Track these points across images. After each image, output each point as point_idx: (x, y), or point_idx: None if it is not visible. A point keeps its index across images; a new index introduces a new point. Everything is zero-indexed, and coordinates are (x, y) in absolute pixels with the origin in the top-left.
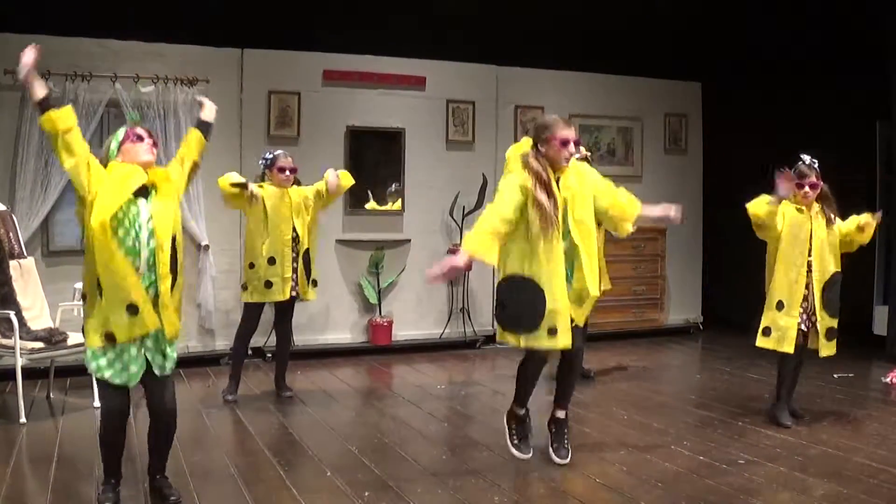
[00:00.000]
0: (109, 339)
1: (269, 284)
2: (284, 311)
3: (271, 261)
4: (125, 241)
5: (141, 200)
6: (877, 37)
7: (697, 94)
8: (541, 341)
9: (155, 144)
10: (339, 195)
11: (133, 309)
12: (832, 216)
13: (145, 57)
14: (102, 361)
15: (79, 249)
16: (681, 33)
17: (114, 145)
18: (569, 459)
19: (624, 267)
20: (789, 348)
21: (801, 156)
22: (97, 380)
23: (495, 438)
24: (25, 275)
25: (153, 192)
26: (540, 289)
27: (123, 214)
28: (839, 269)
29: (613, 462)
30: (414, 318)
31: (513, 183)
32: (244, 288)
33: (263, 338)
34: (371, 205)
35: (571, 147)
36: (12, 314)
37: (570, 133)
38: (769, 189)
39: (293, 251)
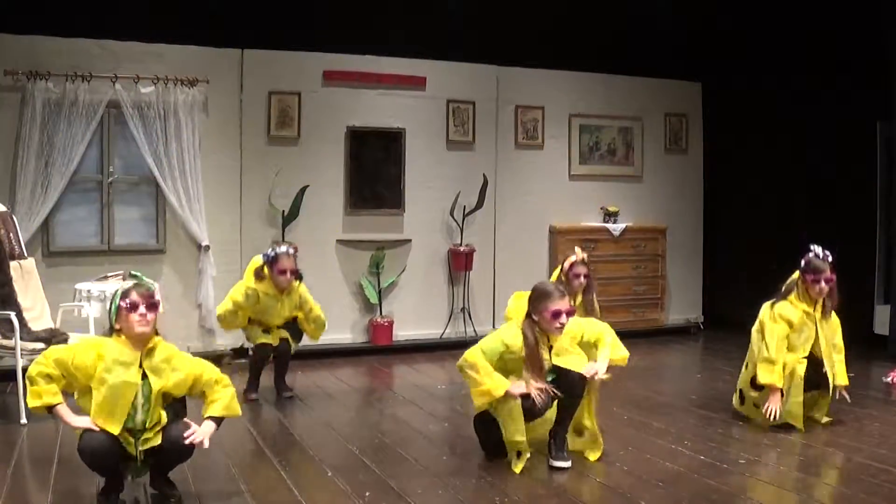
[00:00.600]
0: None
1: (267, 331)
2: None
3: (266, 331)
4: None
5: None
6: (877, 37)
7: (698, 93)
8: (512, 461)
9: (152, 308)
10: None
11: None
12: (828, 307)
13: (145, 57)
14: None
15: (79, 250)
16: (681, 33)
17: (113, 308)
18: (569, 463)
19: (624, 266)
20: (798, 423)
21: (812, 247)
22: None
23: None
24: (26, 276)
25: (150, 368)
26: (495, 422)
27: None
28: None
29: (614, 462)
30: (414, 319)
31: (506, 335)
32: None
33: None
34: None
35: (563, 318)
36: (13, 315)
37: (562, 305)
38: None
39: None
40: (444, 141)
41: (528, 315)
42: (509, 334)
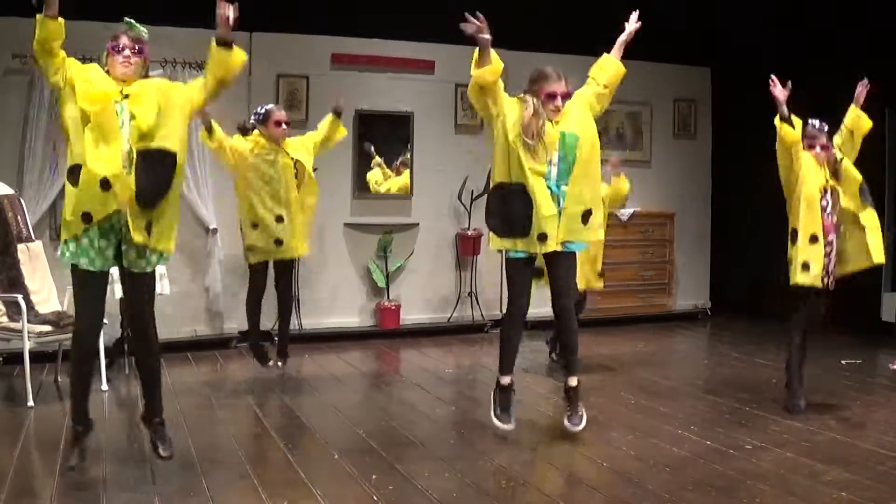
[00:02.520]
0: (86, 218)
1: (279, 242)
2: (286, 269)
3: (279, 219)
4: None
5: (121, 105)
6: (886, 24)
7: (707, 78)
8: (532, 246)
9: (139, 52)
10: (333, 142)
11: (106, 184)
12: (839, 171)
13: (154, 40)
14: (73, 247)
15: None
16: (690, 17)
17: (105, 51)
18: (582, 426)
19: (632, 252)
20: (818, 283)
21: (810, 120)
22: (73, 276)
23: None
24: (33, 258)
25: (131, 100)
26: (528, 196)
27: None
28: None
29: (620, 446)
30: (422, 302)
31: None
32: (249, 249)
33: (270, 320)
34: (375, 176)
35: (558, 101)
36: (20, 298)
37: (558, 87)
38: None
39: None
40: (453, 125)
41: (525, 93)
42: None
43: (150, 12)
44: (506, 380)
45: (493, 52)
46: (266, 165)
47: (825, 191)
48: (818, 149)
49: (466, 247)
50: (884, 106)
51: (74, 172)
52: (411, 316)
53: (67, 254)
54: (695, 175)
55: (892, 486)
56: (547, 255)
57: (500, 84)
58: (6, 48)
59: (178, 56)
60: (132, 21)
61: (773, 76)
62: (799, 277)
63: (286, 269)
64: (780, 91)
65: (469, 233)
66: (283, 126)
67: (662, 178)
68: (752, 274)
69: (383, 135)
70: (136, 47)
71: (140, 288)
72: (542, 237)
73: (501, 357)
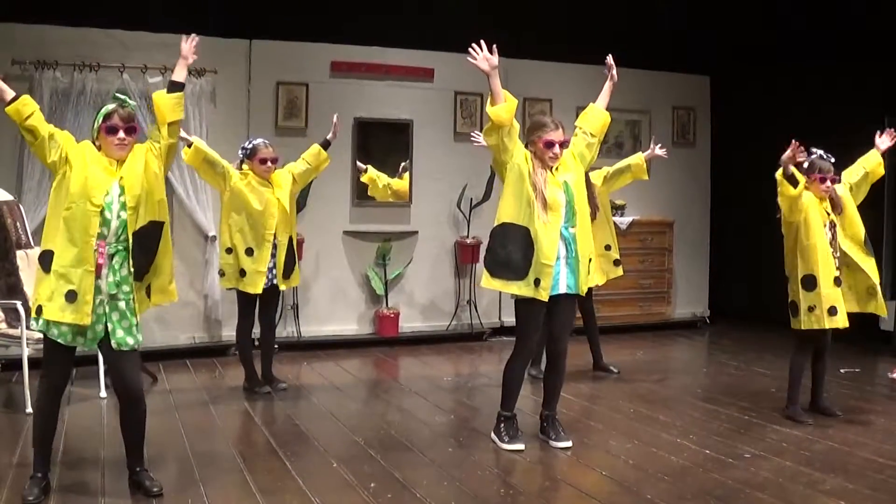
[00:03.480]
0: (37, 311)
1: (242, 273)
2: (267, 301)
3: (248, 251)
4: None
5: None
6: (886, 30)
7: (706, 87)
8: (524, 290)
9: (132, 131)
10: (318, 173)
11: (72, 296)
12: (839, 205)
13: (153, 47)
14: (49, 320)
15: None
16: (690, 26)
17: (96, 125)
18: (569, 438)
19: (631, 260)
20: (845, 322)
21: (813, 150)
22: (44, 342)
23: None
24: (32, 265)
25: (125, 181)
26: (531, 240)
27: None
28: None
29: (619, 455)
30: (421, 310)
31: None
32: (221, 274)
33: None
34: (368, 177)
35: (556, 149)
36: (19, 304)
37: (556, 136)
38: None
39: (273, 245)
40: (452, 133)
41: (526, 144)
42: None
43: (150, 20)
44: (509, 413)
45: (505, 91)
46: (253, 196)
47: (826, 225)
48: (828, 182)
49: (465, 255)
50: (883, 112)
51: (46, 259)
52: (410, 324)
53: (41, 322)
54: (694, 183)
55: (891, 495)
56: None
57: (516, 123)
58: (5, 54)
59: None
60: (124, 97)
61: (794, 142)
62: (827, 322)
63: (266, 303)
64: (787, 155)
65: (468, 241)
66: (269, 164)
67: (661, 187)
68: (752, 282)
69: (382, 142)
70: (129, 126)
71: (131, 363)
72: (537, 282)
73: (508, 394)
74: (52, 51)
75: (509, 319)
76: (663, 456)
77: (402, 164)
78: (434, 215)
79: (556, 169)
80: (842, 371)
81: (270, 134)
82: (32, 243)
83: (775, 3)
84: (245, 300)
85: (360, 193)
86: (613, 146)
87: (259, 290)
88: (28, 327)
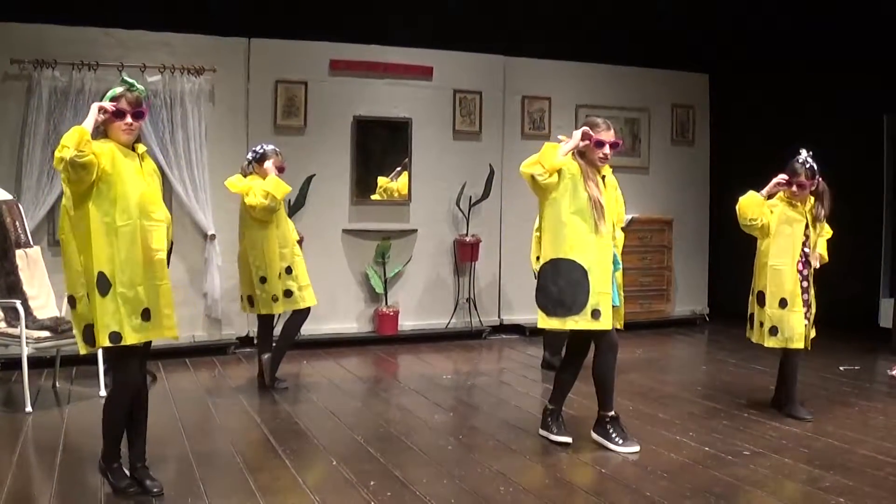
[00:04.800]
0: (114, 338)
1: (288, 294)
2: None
3: (288, 270)
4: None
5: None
6: (886, 30)
7: (705, 85)
8: (584, 323)
9: (139, 116)
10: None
11: (146, 314)
12: (821, 214)
13: (152, 46)
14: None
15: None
16: (689, 24)
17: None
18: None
19: (631, 258)
20: (799, 344)
21: (800, 150)
22: (118, 351)
23: (500, 428)
24: (31, 264)
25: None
26: (584, 270)
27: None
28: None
29: (619, 452)
30: (420, 308)
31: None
32: (250, 302)
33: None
34: (382, 184)
35: (606, 149)
36: (18, 303)
37: (607, 136)
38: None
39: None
40: (451, 131)
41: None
42: (566, 161)
43: (147, 18)
44: (558, 406)
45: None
46: (281, 215)
47: (802, 241)
48: (794, 187)
49: (465, 253)
50: (882, 112)
51: (102, 282)
52: (409, 322)
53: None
54: (693, 181)
55: (891, 492)
56: None
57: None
58: (4, 53)
59: (175, 62)
60: (132, 81)
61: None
62: (768, 342)
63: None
64: (775, 183)
65: (467, 239)
66: (279, 174)
67: (661, 185)
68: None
69: (381, 141)
70: (137, 111)
71: (146, 357)
72: (596, 314)
73: (558, 391)
74: (50, 50)
75: (508, 317)
76: (663, 453)
77: (398, 168)
78: (433, 213)
79: (604, 177)
80: (841, 368)
81: (269, 132)
82: (32, 242)
83: (775, 2)
84: (268, 319)
85: (360, 192)
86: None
87: (314, 302)
88: (27, 326)
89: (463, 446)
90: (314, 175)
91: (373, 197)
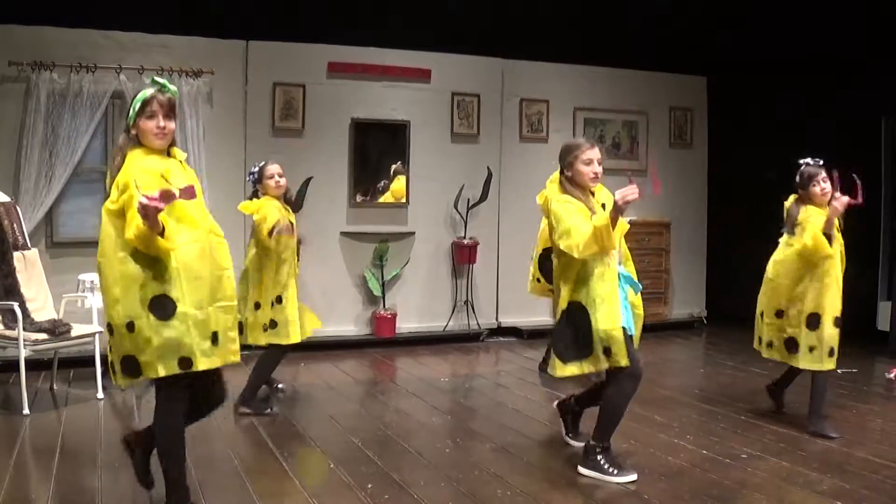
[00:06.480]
0: (184, 364)
1: (273, 325)
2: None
3: (278, 300)
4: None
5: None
6: (886, 30)
7: (703, 88)
8: (599, 363)
9: (168, 117)
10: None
11: (215, 338)
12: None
13: (150, 48)
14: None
15: (83, 240)
16: (687, 27)
17: (132, 112)
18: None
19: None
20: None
21: (802, 161)
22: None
23: (498, 431)
24: (29, 266)
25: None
26: (586, 311)
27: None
28: None
29: (617, 455)
30: (418, 311)
31: (566, 205)
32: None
33: None
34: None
35: (596, 166)
36: (16, 305)
37: (593, 154)
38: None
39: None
40: (449, 134)
41: (562, 172)
42: (566, 200)
43: (146, 21)
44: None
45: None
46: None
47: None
48: (822, 184)
49: (462, 255)
50: (881, 112)
51: (163, 304)
52: (407, 324)
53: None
54: (691, 184)
55: (888, 495)
56: None
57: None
58: (2, 55)
59: (174, 64)
60: (164, 82)
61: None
62: (830, 364)
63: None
64: (841, 206)
65: (465, 241)
66: (277, 178)
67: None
68: (748, 283)
69: (379, 143)
70: (169, 113)
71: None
72: (608, 352)
73: (610, 422)
74: (48, 52)
75: (506, 320)
76: (660, 456)
77: (393, 167)
78: (431, 216)
79: (593, 194)
80: (839, 371)
81: (267, 135)
82: (29, 245)
83: (773, 4)
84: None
85: (358, 195)
86: (611, 147)
87: (298, 339)
88: (25, 329)
89: (461, 449)
90: (311, 178)
91: (381, 199)
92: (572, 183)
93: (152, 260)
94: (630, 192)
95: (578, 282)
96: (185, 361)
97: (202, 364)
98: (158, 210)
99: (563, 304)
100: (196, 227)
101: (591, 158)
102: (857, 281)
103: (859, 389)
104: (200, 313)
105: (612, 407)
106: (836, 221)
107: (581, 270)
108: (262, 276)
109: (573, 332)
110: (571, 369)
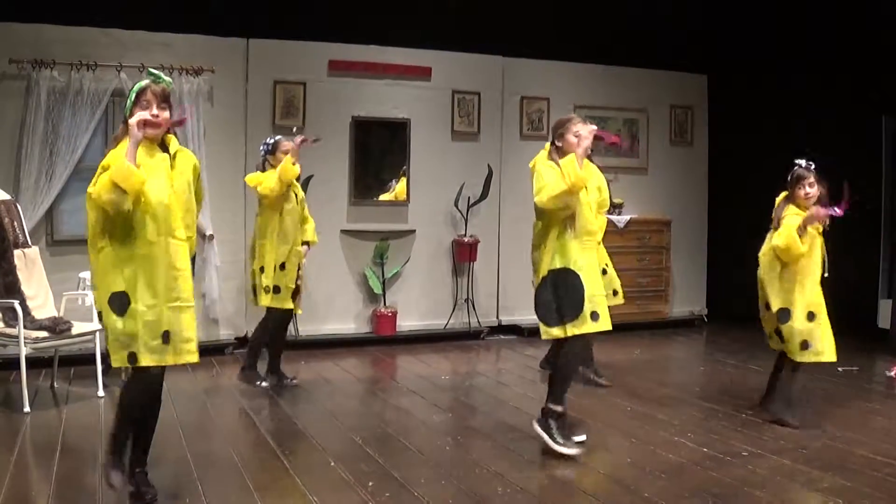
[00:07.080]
0: (131, 359)
1: (276, 290)
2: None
3: (282, 266)
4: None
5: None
6: (885, 30)
7: (703, 86)
8: (585, 327)
9: (162, 106)
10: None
11: (166, 336)
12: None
13: (151, 46)
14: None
15: (83, 238)
16: (688, 25)
17: (128, 104)
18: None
19: (629, 258)
20: (832, 356)
21: (796, 161)
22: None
23: (499, 429)
24: (30, 264)
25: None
26: (577, 275)
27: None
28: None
29: (618, 453)
30: (418, 309)
31: (554, 169)
32: (254, 292)
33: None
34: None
35: (584, 141)
36: (16, 303)
37: (584, 129)
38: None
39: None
40: (450, 131)
41: (552, 143)
42: (550, 165)
43: (146, 19)
44: (560, 407)
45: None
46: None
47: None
48: (807, 188)
49: (463, 253)
50: (881, 112)
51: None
52: (407, 322)
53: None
54: (691, 182)
55: (889, 493)
56: None
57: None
58: (3, 53)
59: (174, 62)
60: (157, 73)
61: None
62: (800, 356)
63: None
64: (816, 215)
65: (465, 239)
66: (291, 154)
67: (659, 186)
68: (749, 281)
69: (380, 141)
70: (163, 104)
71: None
72: (595, 316)
73: (559, 388)
74: (49, 50)
75: (506, 318)
76: (661, 454)
77: (403, 168)
78: (431, 214)
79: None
80: (840, 369)
81: (267, 133)
82: (30, 242)
83: (773, 2)
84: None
85: (358, 193)
86: (611, 145)
87: (291, 306)
88: (25, 326)
89: (461, 447)
90: (312, 176)
91: (382, 197)
92: (560, 153)
93: (116, 257)
94: (590, 127)
95: (561, 249)
96: (132, 356)
97: (145, 360)
98: (147, 123)
99: (543, 271)
100: (157, 227)
101: (580, 132)
102: (857, 280)
103: (860, 387)
104: (151, 312)
105: (568, 371)
106: (817, 224)
107: (560, 235)
108: (265, 242)
109: (560, 295)
110: (556, 332)
